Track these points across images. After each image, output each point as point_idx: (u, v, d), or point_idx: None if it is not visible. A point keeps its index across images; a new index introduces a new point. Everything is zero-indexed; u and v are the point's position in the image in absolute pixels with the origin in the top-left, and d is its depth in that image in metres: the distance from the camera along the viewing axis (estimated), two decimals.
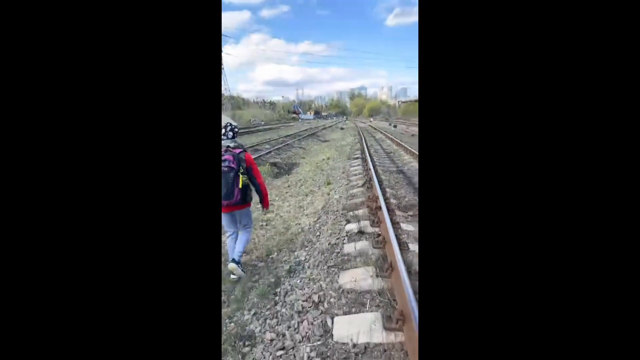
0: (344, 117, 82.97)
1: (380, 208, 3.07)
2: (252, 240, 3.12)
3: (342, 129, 25.25)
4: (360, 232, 2.95)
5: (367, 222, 3.11)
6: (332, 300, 1.96)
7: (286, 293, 2.13)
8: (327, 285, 2.14)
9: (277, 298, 2.09)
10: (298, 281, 2.26)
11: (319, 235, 3.08)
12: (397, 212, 3.40)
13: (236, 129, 2.42)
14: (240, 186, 2.23)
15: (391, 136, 14.39)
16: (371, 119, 47.59)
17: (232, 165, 2.20)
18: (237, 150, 2.29)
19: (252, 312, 1.97)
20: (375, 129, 23.17)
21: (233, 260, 2.37)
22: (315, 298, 2.00)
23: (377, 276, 2.10)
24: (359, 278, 2.12)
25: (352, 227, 3.07)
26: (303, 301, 1.98)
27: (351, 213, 3.54)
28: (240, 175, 2.23)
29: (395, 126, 25.20)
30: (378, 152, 9.26)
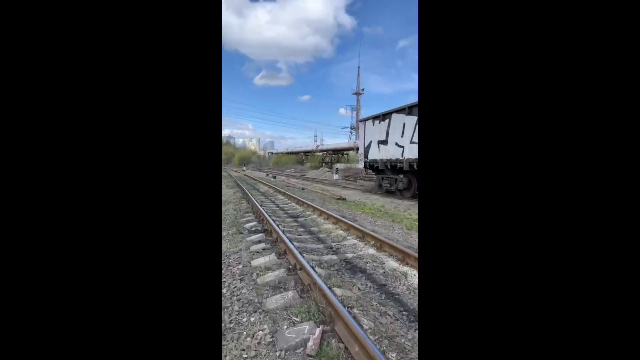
0: None
1: None
2: None
3: None
4: None
5: None
6: None
7: None
8: None
9: None
10: None
11: None
12: None
13: None
14: None
15: (277, 187, 12.67)
16: (244, 168, 50.66)
17: None
18: None
19: None
20: (252, 178, 21.74)
21: None
22: None
23: None
24: None
25: None
26: None
27: None
28: None
29: (274, 177, 24.31)
30: (280, 217, 6.76)
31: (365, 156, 12.05)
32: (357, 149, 31.47)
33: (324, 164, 37.52)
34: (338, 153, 37.52)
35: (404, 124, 9.63)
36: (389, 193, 11.10)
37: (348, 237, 4.91)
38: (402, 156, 9.76)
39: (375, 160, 11.34)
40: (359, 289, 2.91)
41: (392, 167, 10.48)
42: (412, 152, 9.23)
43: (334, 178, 21.96)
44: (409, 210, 8.12)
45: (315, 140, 65.02)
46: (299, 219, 6.56)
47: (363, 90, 54.40)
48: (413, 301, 2.66)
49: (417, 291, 2.87)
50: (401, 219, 6.88)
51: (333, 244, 4.59)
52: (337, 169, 23.96)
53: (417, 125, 9.01)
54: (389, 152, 10.48)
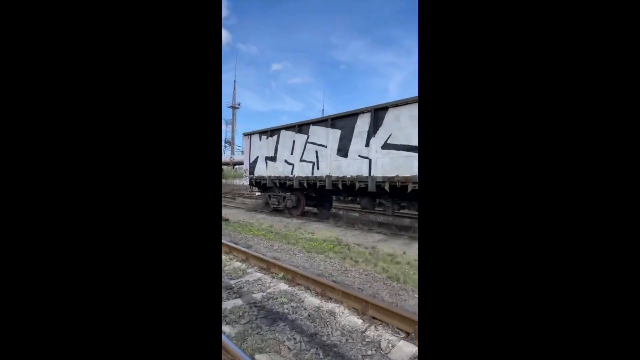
0: None
1: None
2: None
3: None
4: None
5: None
6: None
7: None
8: None
9: None
10: None
11: None
12: None
13: None
14: None
15: None
16: None
17: None
18: None
19: None
20: None
21: None
22: None
23: None
24: None
25: None
26: None
27: None
28: None
29: None
30: None
31: (251, 172, 11.25)
32: (234, 164, 29.97)
33: None
34: None
35: (294, 142, 9.48)
36: (276, 211, 10.62)
37: (249, 270, 4.07)
38: (291, 174, 9.52)
39: (262, 177, 10.70)
40: (288, 348, 2.21)
41: (281, 185, 10.10)
42: (302, 170, 9.11)
43: None
44: (299, 229, 7.84)
45: None
46: None
47: (239, 104, 53.23)
48: (357, 351, 2.18)
49: (354, 334, 2.43)
50: (296, 240, 6.50)
51: (232, 281, 3.67)
52: None
53: (307, 144, 9.01)
54: (277, 169, 10.07)
